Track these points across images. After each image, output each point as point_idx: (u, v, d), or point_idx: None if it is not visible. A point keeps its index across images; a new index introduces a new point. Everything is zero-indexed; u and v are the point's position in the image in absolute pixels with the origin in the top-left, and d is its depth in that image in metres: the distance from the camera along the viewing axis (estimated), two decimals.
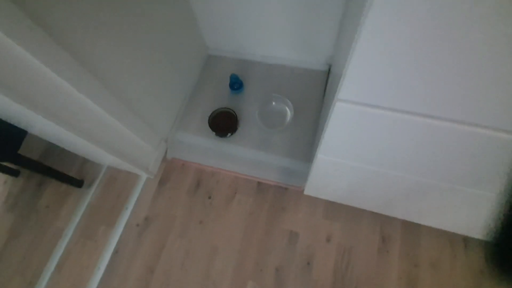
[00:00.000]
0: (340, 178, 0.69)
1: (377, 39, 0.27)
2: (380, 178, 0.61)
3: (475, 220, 0.80)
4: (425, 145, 0.44)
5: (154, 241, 1.04)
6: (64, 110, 0.73)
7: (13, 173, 1.24)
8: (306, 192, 0.98)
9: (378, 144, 0.46)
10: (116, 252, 1.04)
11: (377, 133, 0.42)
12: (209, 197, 1.10)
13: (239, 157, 1.14)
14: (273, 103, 1.19)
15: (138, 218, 1.09)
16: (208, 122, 1.17)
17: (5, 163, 1.17)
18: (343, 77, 0.33)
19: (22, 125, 0.89)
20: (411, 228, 0.96)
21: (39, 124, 0.77)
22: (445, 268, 0.90)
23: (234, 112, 1.18)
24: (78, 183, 1.18)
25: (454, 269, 0.90)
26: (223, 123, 1.17)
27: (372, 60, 0.30)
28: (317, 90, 1.22)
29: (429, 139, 0.41)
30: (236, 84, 1.23)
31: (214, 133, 1.16)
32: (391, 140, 0.43)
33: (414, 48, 0.28)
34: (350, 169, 0.59)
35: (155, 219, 1.08)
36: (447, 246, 0.92)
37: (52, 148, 1.28)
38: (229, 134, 1.16)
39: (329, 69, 1.25)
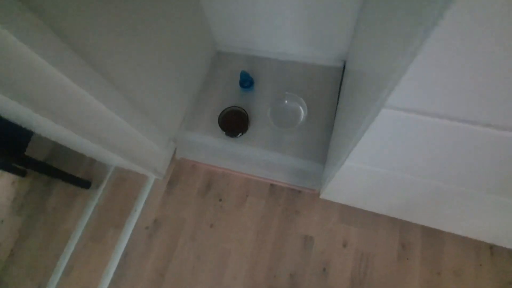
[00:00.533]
0: (365, 185, 0.65)
1: (455, 39, 0.22)
2: (412, 186, 0.57)
3: (504, 228, 0.75)
4: (480, 155, 0.39)
5: (164, 244, 1.02)
6: (69, 111, 0.70)
7: (20, 173, 1.22)
8: (322, 196, 0.94)
9: (426, 153, 0.41)
10: (125, 255, 1.02)
11: (429, 142, 0.38)
12: (220, 200, 1.06)
13: (251, 158, 1.09)
14: (286, 101, 1.14)
15: (147, 220, 1.07)
16: (218, 122, 1.12)
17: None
18: (396, 81, 0.28)
19: (28, 126, 0.87)
20: (432, 234, 0.91)
21: (44, 125, 0.74)
22: (469, 277, 0.85)
23: (245, 111, 1.13)
24: (85, 184, 1.16)
25: (480, 279, 0.85)
26: (234, 123, 1.13)
27: (445, 62, 0.25)
28: (331, 87, 1.17)
29: (486, 150, 0.36)
30: (246, 82, 1.18)
31: (224, 132, 1.12)
32: (443, 149, 0.39)
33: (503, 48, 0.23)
34: (380, 176, 0.55)
35: (165, 221, 1.05)
36: (472, 254, 0.88)
37: (58, 148, 1.26)
38: (239, 134, 1.12)
39: (344, 66, 1.19)
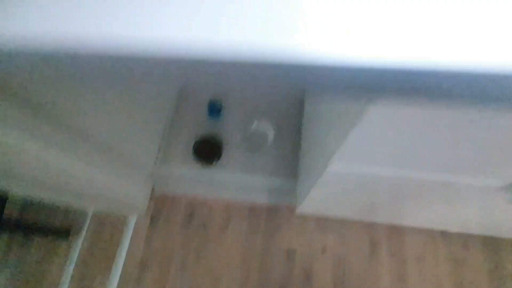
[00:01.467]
0: (343, 190, 0.73)
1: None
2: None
3: (451, 216, 0.90)
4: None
5: (155, 281, 1.04)
6: (43, 176, 0.71)
7: None
8: (298, 210, 1.02)
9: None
10: None
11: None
12: (204, 227, 1.11)
13: (228, 183, 1.15)
14: (253, 125, 1.21)
15: (134, 260, 1.08)
16: (193, 152, 1.17)
17: None
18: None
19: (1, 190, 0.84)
20: (395, 230, 1.05)
21: (21, 191, 0.74)
22: (429, 260, 1.00)
23: (217, 138, 1.19)
24: (64, 233, 1.14)
25: (438, 260, 1.00)
26: (208, 152, 1.17)
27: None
28: (294, 104, 1.27)
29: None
30: (214, 111, 1.24)
31: (200, 163, 1.17)
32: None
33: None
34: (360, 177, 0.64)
35: (153, 259, 1.08)
36: (429, 241, 1.02)
37: (30, 202, 1.21)
38: (214, 161, 1.18)
39: None
